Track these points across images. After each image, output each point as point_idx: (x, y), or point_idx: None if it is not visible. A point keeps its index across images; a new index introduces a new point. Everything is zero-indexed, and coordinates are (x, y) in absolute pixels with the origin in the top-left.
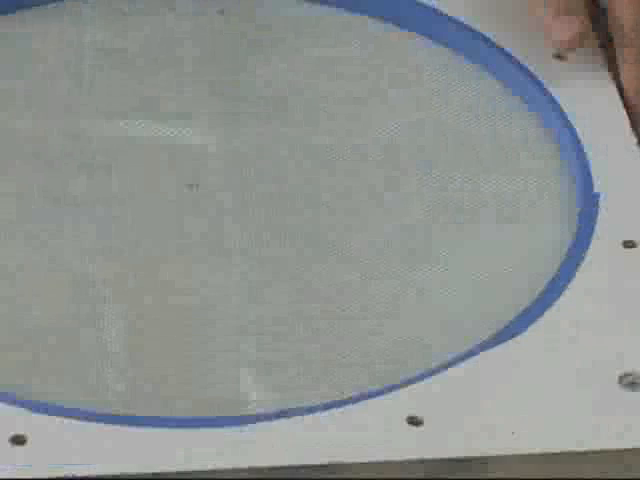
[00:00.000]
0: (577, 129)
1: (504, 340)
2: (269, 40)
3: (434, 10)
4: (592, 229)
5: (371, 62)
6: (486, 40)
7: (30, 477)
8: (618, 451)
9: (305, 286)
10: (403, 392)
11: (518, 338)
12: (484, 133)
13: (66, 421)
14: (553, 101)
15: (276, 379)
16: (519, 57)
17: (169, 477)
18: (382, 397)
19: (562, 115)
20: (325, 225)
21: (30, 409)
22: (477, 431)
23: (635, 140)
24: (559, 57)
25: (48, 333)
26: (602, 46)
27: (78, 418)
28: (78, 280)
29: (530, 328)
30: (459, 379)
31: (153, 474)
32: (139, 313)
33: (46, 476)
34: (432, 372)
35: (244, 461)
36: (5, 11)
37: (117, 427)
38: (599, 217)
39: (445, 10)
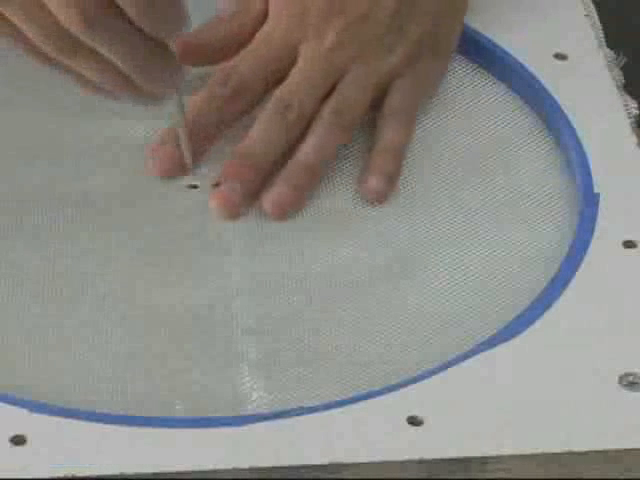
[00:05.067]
0: (577, 129)
1: (504, 340)
2: None
3: None
4: (592, 229)
5: None
6: (486, 40)
7: (30, 477)
8: (618, 451)
9: (305, 286)
10: (403, 392)
11: (518, 338)
12: (484, 133)
13: (66, 421)
14: (553, 101)
15: (276, 379)
16: (519, 57)
17: (169, 477)
18: (382, 397)
19: (562, 115)
20: (325, 225)
21: (30, 409)
22: (477, 431)
23: (635, 140)
24: (559, 57)
25: (48, 333)
26: (602, 46)
27: (78, 418)
28: (78, 279)
29: (530, 328)
30: (459, 379)
31: (153, 474)
32: (139, 313)
33: (46, 476)
34: (432, 372)
35: (244, 461)
36: None
37: (117, 427)
38: (599, 217)
39: None
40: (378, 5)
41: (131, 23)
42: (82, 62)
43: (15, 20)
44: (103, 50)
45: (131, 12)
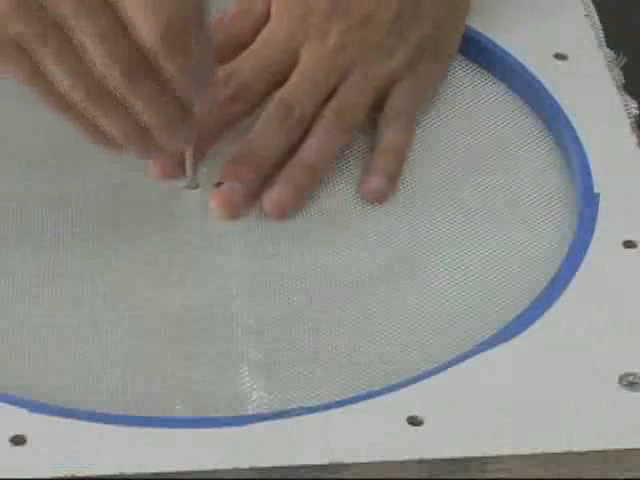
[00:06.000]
0: (577, 129)
1: (504, 340)
2: None
3: None
4: (592, 229)
5: None
6: (486, 40)
7: (30, 477)
8: (618, 451)
9: (305, 286)
10: (403, 392)
11: (518, 338)
12: (484, 133)
13: (66, 421)
14: (553, 101)
15: (276, 379)
16: (519, 57)
17: (169, 477)
18: (382, 397)
19: (562, 115)
20: (325, 225)
21: (30, 409)
22: (477, 431)
23: (635, 140)
24: (559, 57)
25: (48, 333)
26: (602, 46)
27: (78, 418)
28: (78, 279)
29: (530, 328)
30: (459, 379)
31: (153, 474)
32: (139, 313)
33: (46, 476)
34: (432, 372)
35: (244, 461)
36: None
37: (117, 427)
38: (599, 217)
39: None
40: (381, 8)
41: (164, 80)
42: (104, 112)
43: (48, 61)
44: (135, 103)
45: (172, 68)
